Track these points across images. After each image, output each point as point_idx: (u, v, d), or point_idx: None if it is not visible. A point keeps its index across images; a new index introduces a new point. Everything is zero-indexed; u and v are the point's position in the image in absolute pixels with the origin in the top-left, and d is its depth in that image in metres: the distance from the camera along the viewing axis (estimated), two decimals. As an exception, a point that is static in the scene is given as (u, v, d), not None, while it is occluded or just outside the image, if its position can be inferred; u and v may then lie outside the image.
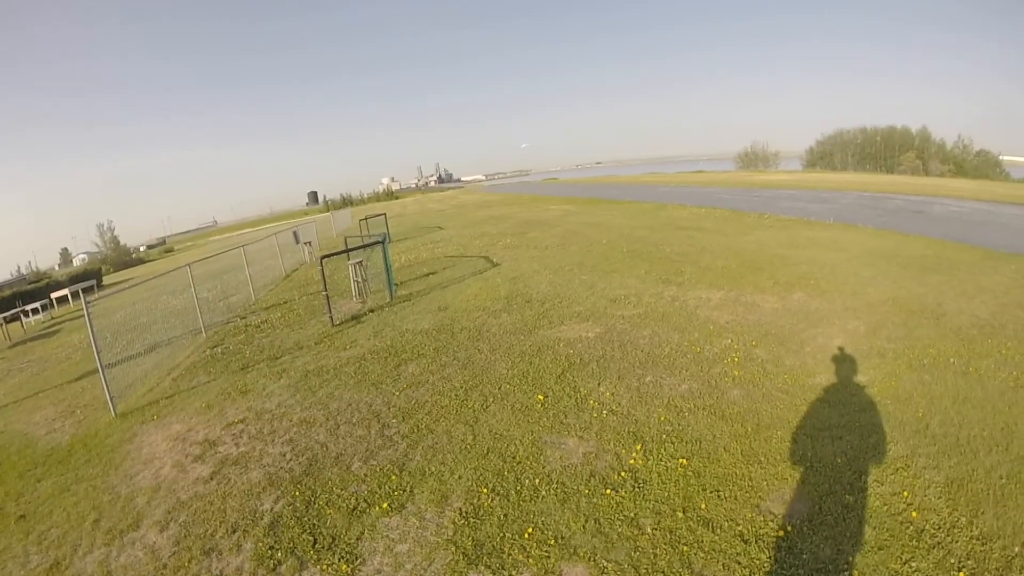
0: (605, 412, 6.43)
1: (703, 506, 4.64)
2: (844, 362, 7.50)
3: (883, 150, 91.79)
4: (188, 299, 12.74)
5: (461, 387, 7.49)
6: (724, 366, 7.50)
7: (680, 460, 5.32)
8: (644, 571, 3.97)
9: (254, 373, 8.78)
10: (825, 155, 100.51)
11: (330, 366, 8.63)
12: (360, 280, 12.84)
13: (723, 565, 3.98)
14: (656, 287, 11.77)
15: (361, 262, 13.04)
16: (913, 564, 3.90)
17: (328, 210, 66.73)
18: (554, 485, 5.12)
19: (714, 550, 4.12)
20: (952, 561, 3.91)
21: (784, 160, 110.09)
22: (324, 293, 11.16)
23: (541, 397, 6.94)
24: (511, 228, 25.11)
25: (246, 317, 12.93)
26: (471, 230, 26.18)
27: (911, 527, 4.26)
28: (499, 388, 7.35)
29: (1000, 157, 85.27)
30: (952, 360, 7.35)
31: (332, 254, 13.06)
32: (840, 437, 5.58)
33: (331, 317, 11.01)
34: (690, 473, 5.12)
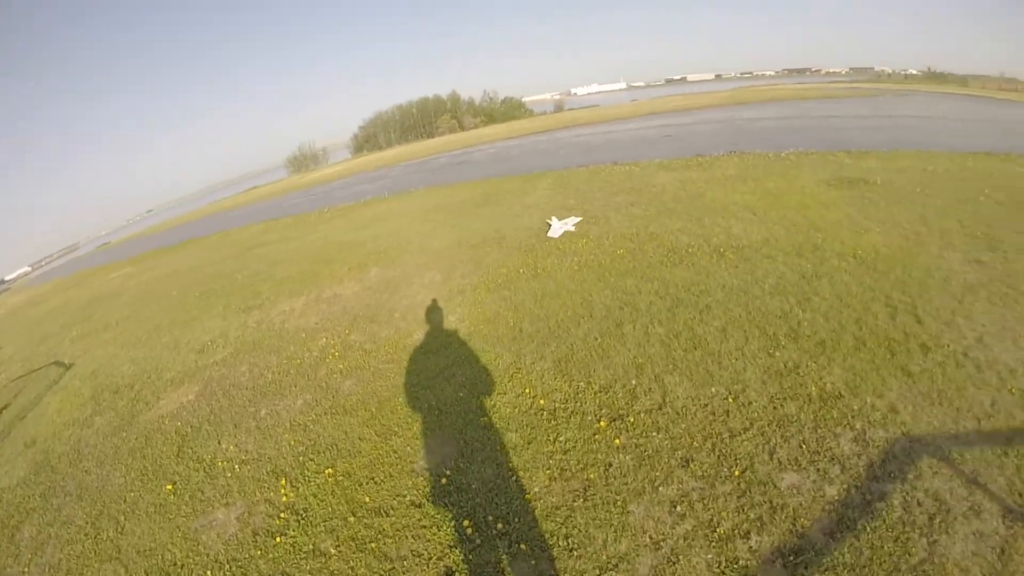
0: (237, 466, 6.13)
1: (368, 499, 4.83)
2: (433, 311, 8.68)
3: (420, 119, 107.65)
4: None
5: (87, 523, 6.25)
6: (328, 364, 7.93)
7: (327, 471, 5.40)
8: (350, 589, 4.01)
9: None
10: (370, 138, 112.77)
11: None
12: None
13: (413, 537, 4.26)
14: (239, 318, 11.55)
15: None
16: (562, 437, 4.87)
17: None
18: (225, 567, 4.71)
19: (398, 530, 4.38)
20: (590, 418, 5.05)
21: (333, 153, 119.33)
22: None
23: (170, 486, 6.23)
24: (73, 317, 21.27)
25: None
26: (31, 334, 21.30)
27: (545, 412, 5.28)
28: (125, 501, 6.35)
29: (523, 99, 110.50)
30: (522, 270, 9.21)
31: None
32: (453, 375, 6.48)
33: None
34: (341, 477, 5.25)
